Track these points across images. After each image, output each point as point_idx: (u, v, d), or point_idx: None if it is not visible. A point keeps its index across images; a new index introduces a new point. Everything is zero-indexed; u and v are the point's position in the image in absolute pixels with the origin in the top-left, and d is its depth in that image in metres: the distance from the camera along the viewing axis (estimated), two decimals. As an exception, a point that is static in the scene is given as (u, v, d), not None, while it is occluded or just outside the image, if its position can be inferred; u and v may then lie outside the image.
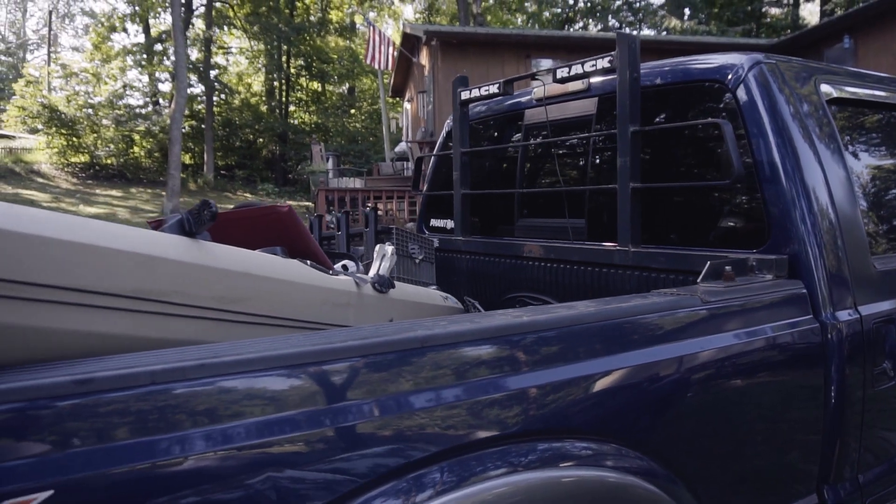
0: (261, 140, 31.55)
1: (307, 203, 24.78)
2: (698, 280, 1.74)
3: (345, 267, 2.16)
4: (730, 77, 2.04)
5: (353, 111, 33.46)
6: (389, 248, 2.17)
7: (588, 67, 2.27)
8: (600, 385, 1.35)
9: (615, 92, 2.21)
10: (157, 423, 0.92)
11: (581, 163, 2.58)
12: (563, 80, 2.40)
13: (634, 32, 29.43)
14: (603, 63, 2.21)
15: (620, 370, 1.37)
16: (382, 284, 1.86)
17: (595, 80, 2.45)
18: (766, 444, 1.66)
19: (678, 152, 2.27)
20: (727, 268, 1.76)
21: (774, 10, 28.55)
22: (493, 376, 1.22)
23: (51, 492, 0.85)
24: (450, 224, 3.20)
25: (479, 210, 3.02)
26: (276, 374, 1.02)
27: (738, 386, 1.60)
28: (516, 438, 1.23)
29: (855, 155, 2.13)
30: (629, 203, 2.15)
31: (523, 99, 2.85)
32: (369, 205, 11.98)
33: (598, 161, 2.51)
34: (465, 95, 2.85)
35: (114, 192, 25.04)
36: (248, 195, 27.36)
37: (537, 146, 2.80)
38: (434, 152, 3.32)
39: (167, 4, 30.62)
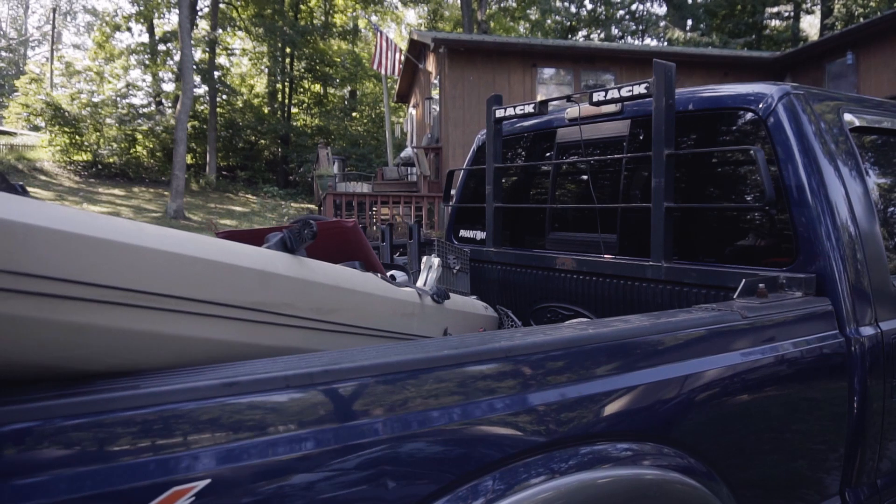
0: (263, 141, 31.68)
1: (310, 205, 24.91)
2: (734, 296, 1.88)
3: (393, 277, 2.29)
4: (761, 105, 2.18)
5: (354, 114, 33.61)
6: (436, 261, 2.31)
7: (624, 92, 2.41)
8: (656, 392, 1.48)
9: (646, 114, 2.35)
10: (290, 420, 1.06)
11: (613, 180, 2.72)
12: (599, 104, 2.54)
13: (637, 42, 29.65)
14: (639, 89, 2.35)
15: (675, 378, 1.51)
16: (440, 296, 1.99)
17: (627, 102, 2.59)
18: (797, 448, 1.80)
19: (710, 173, 2.41)
20: (761, 285, 1.90)
21: (775, 23, 28.82)
22: (567, 384, 1.36)
23: (208, 480, 0.98)
24: (479, 235, 3.34)
25: (509, 222, 3.15)
26: (379, 379, 1.16)
27: (772, 394, 1.74)
28: (592, 439, 1.36)
29: (875, 180, 2.27)
30: (663, 221, 2.28)
31: (554, 117, 2.99)
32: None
33: (629, 179, 2.64)
34: (499, 113, 2.99)
35: (116, 191, 25.11)
36: (249, 196, 27.48)
37: (567, 162, 2.93)
38: (465, 166, 3.46)
39: (172, 4, 30.81)
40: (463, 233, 3.48)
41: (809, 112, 2.13)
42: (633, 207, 2.53)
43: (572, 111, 2.83)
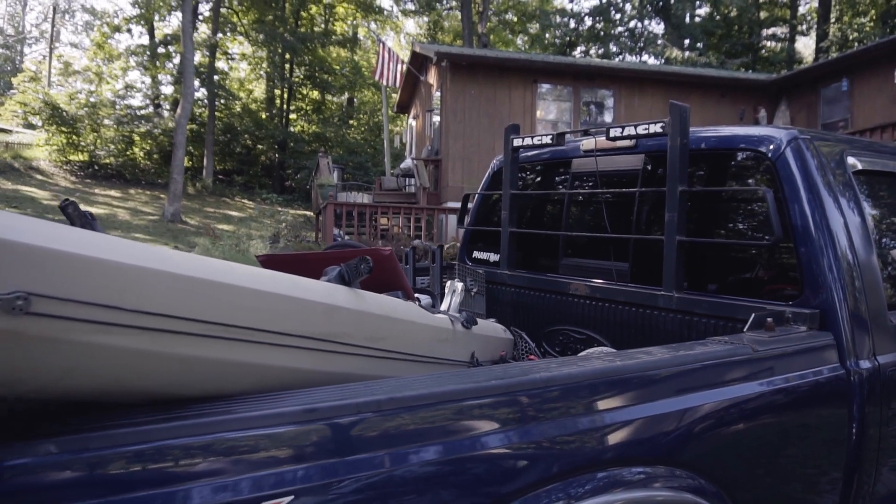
0: (260, 146, 31.78)
1: (307, 212, 25.00)
2: (745, 329, 2.02)
3: (418, 300, 2.42)
4: (771, 148, 2.32)
5: (352, 122, 33.77)
6: (459, 285, 2.43)
7: (641, 130, 2.55)
8: (675, 419, 1.61)
9: (660, 150, 2.48)
10: (363, 441, 1.18)
11: (626, 211, 2.85)
12: (616, 139, 2.68)
13: (636, 59, 29.96)
14: (655, 128, 2.49)
15: (692, 407, 1.64)
16: (469, 322, 2.12)
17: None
18: (800, 472, 1.93)
19: (720, 209, 2.55)
20: (769, 319, 2.03)
21: (771, 43, 29.22)
22: (596, 412, 1.49)
23: (291, 497, 1.10)
24: (492, 257, 3.47)
25: (524, 246, 3.28)
26: (441, 408, 1.28)
27: (778, 421, 1.88)
28: (615, 463, 1.49)
29: (875, 221, 2.41)
30: (675, 253, 2.42)
31: (570, 147, 3.12)
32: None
33: (642, 211, 2.78)
34: (517, 143, 3.13)
35: (112, 193, 25.13)
36: (245, 201, 27.57)
37: (583, 192, 3.07)
38: (480, 189, 3.60)
39: (172, 7, 30.94)
40: (476, 254, 3.60)
41: (815, 155, 2.28)
42: (646, 239, 2.66)
43: (588, 143, 2.97)
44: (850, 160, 2.39)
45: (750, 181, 2.40)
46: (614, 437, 1.52)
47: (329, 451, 1.15)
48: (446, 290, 2.43)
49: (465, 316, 2.12)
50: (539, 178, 3.35)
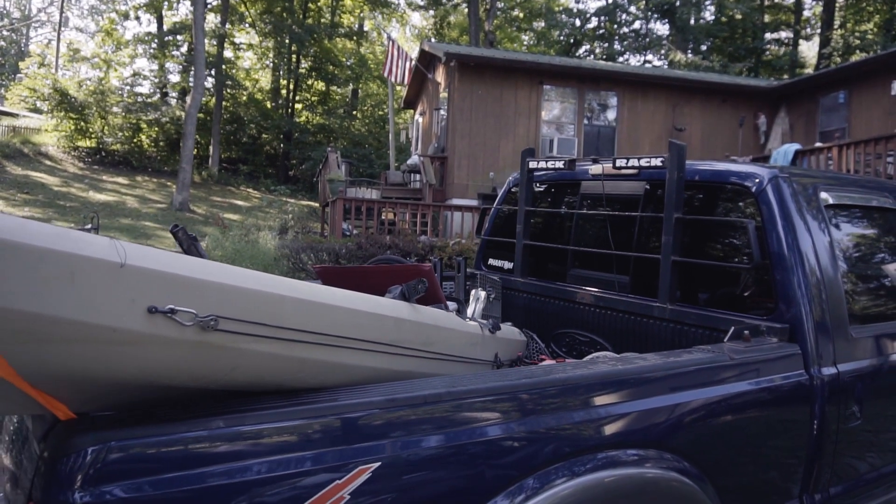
0: (265, 136, 32.13)
1: (311, 203, 25.40)
2: (725, 339, 2.41)
3: (447, 307, 2.81)
4: (755, 182, 2.71)
5: (356, 113, 34.12)
6: (482, 293, 2.82)
7: (643, 163, 2.94)
8: (664, 412, 2.01)
9: (659, 177, 2.87)
10: (429, 426, 1.58)
11: (628, 230, 3.24)
12: (621, 168, 3.06)
13: (640, 58, 30.24)
14: (656, 161, 2.88)
15: (679, 402, 2.04)
16: (495, 327, 2.51)
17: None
18: (768, 460, 2.33)
19: (710, 232, 2.94)
20: (745, 332, 2.42)
21: (774, 47, 29.57)
22: (601, 405, 1.89)
23: (378, 463, 1.49)
24: (506, 264, 3.86)
25: (536, 255, 3.67)
26: (477, 401, 1.68)
27: (751, 416, 2.27)
28: (613, 446, 1.89)
29: (843, 248, 2.80)
30: (669, 271, 2.81)
31: (580, 170, 3.51)
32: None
33: (642, 230, 3.17)
34: (532, 165, 3.51)
35: (120, 180, 25.47)
36: (251, 190, 27.94)
37: (590, 210, 3.46)
38: (496, 203, 3.99)
39: (181, -4, 31.25)
40: (492, 261, 4.00)
41: (793, 191, 2.66)
42: (645, 258, 3.05)
43: (595, 168, 3.35)
44: (823, 195, 2.78)
45: (736, 210, 2.79)
46: (615, 426, 1.92)
47: (407, 431, 1.54)
48: (471, 298, 2.82)
49: (491, 322, 2.51)
50: (554, 195, 3.74)
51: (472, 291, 2.83)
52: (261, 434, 1.39)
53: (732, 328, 2.44)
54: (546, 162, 3.44)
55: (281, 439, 1.41)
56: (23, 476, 1.52)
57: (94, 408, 1.42)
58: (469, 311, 2.73)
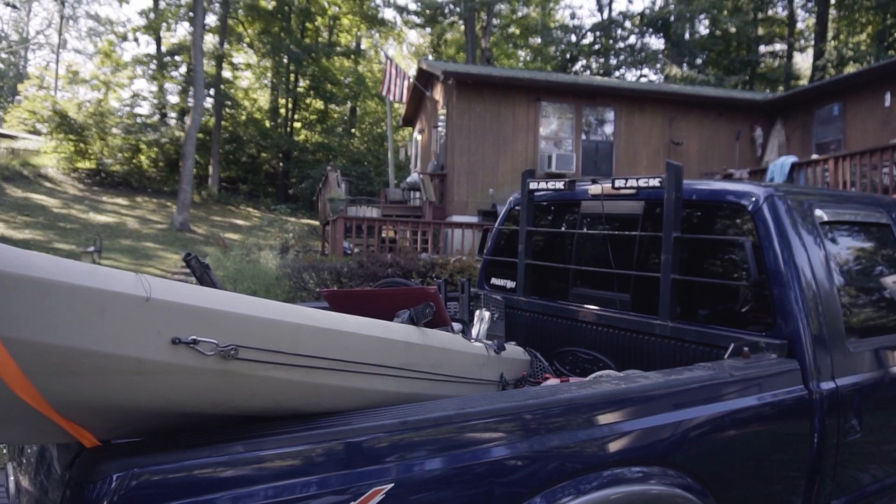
0: (264, 155, 32.30)
1: (311, 221, 25.49)
2: (725, 356, 2.47)
3: (452, 328, 2.86)
4: (752, 201, 2.77)
5: (354, 131, 34.32)
6: (486, 314, 2.88)
7: (642, 183, 3.00)
8: (667, 429, 2.06)
9: (657, 197, 2.93)
10: (440, 447, 1.63)
11: (628, 248, 3.30)
12: (620, 189, 3.13)
13: (636, 73, 30.47)
14: (654, 182, 2.94)
15: (681, 420, 2.09)
16: (500, 348, 2.56)
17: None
18: (769, 472, 2.37)
19: (708, 250, 3.00)
20: (745, 348, 2.48)
21: (769, 60, 29.83)
22: (606, 424, 1.94)
23: (392, 484, 1.54)
24: (508, 284, 3.92)
25: (538, 274, 3.73)
26: (486, 422, 1.73)
27: (752, 432, 2.32)
28: (618, 464, 1.94)
29: (839, 264, 2.86)
30: (669, 289, 2.87)
31: (580, 190, 3.58)
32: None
33: (642, 249, 3.23)
34: (532, 186, 3.58)
35: (120, 201, 25.59)
36: (251, 209, 28.05)
37: (590, 230, 3.52)
38: (497, 224, 4.05)
39: (180, 17, 31.51)
40: (494, 280, 4.06)
41: (788, 209, 2.72)
42: (645, 276, 3.11)
43: (595, 188, 3.42)
44: (818, 212, 2.84)
45: (733, 228, 2.85)
46: (619, 444, 1.97)
47: (419, 452, 1.59)
48: (475, 318, 2.87)
49: (496, 343, 2.56)
50: (555, 214, 3.80)
51: (477, 312, 2.88)
52: (278, 458, 1.44)
53: (732, 345, 2.49)
54: (546, 183, 3.51)
55: (298, 463, 1.46)
56: (47, 501, 1.57)
57: (117, 435, 1.48)
58: (474, 332, 2.78)
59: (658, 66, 28.51)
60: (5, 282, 1.13)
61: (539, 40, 32.98)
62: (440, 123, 16.38)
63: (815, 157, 12.70)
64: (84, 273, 1.23)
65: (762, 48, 30.26)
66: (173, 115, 32.67)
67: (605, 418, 1.97)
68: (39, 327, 1.16)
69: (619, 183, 3.12)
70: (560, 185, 3.44)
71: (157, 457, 1.38)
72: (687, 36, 28.69)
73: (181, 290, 1.38)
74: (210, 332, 1.37)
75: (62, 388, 1.24)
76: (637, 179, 3.04)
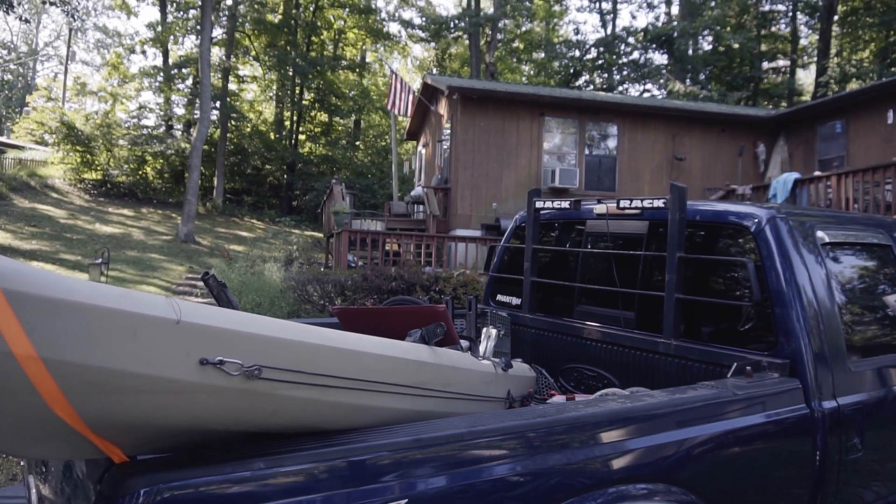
0: (269, 167, 32.46)
1: (315, 233, 25.58)
2: (728, 375, 2.52)
3: (459, 346, 2.92)
4: (754, 222, 2.83)
5: (358, 143, 34.48)
6: (493, 331, 2.93)
7: (646, 204, 3.07)
8: (671, 447, 2.11)
9: (661, 217, 2.99)
10: (451, 464, 1.69)
11: (632, 267, 3.36)
12: (625, 209, 3.19)
13: (639, 88, 30.61)
14: (658, 203, 3.01)
15: (685, 438, 2.14)
16: (507, 366, 2.62)
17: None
18: (772, 490, 2.42)
19: (711, 270, 3.06)
20: (748, 367, 2.53)
21: (772, 76, 29.96)
22: (612, 441, 1.99)
23: (405, 500, 1.60)
24: (513, 300, 3.98)
25: (543, 292, 3.79)
26: (504, 438, 1.79)
27: (755, 450, 2.37)
28: (623, 481, 1.99)
29: (839, 283, 2.91)
30: (673, 308, 2.93)
31: (585, 209, 3.64)
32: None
33: (646, 268, 3.29)
34: (538, 205, 3.64)
35: (125, 211, 25.70)
36: (255, 221, 28.16)
37: (595, 248, 3.58)
38: (503, 241, 4.11)
39: (188, 30, 31.78)
40: (500, 297, 4.11)
41: (790, 231, 2.78)
42: (650, 294, 3.17)
43: (600, 208, 3.48)
44: (820, 233, 2.90)
45: (736, 248, 2.91)
46: (624, 461, 2.02)
47: (431, 468, 1.65)
48: (483, 336, 2.93)
49: (504, 361, 2.62)
50: (560, 232, 3.87)
51: (484, 330, 2.94)
52: (298, 474, 1.50)
53: (735, 364, 2.54)
54: (553, 202, 3.58)
55: (317, 479, 1.52)
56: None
57: (143, 451, 1.54)
58: (481, 350, 2.84)
59: (661, 81, 28.66)
60: (46, 306, 1.19)
61: (543, 55, 33.19)
62: (444, 137, 16.50)
63: (817, 173, 12.76)
64: (118, 297, 1.30)
65: (765, 64, 30.41)
66: (179, 126, 32.86)
67: (610, 436, 2.02)
68: (77, 349, 1.22)
69: (624, 203, 3.18)
70: (566, 204, 3.50)
71: (181, 472, 1.44)
72: (690, 52, 28.85)
73: (208, 313, 1.45)
74: (235, 352, 1.44)
75: (96, 407, 1.30)
76: (642, 200, 3.11)
